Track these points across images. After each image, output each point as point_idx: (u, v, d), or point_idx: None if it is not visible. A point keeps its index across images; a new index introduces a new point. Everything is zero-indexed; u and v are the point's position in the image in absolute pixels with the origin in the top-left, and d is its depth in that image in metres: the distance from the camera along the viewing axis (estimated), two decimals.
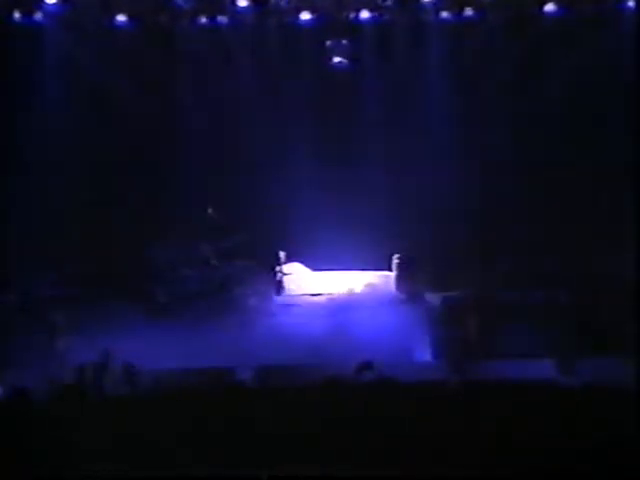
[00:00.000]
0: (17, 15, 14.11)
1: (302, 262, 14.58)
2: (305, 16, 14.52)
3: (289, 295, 14.15)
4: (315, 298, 13.89)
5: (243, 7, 14.30)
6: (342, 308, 12.96)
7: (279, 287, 14.21)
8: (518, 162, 14.32)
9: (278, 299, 14.00)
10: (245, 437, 6.63)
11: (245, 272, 13.93)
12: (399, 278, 13.96)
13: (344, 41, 14.63)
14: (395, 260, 14.05)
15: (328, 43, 14.62)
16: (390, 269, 14.19)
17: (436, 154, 14.43)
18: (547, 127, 14.35)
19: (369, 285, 14.15)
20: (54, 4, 14.03)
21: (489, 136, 14.51)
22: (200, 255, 14.10)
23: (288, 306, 13.65)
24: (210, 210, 14.32)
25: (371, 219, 14.39)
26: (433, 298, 12.97)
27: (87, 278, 13.64)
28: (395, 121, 14.77)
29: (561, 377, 9.31)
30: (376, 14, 14.55)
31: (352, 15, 14.62)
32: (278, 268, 14.23)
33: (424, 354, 11.57)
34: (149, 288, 13.52)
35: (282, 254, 14.26)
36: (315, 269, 14.60)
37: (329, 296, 13.91)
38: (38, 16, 14.20)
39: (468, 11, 14.36)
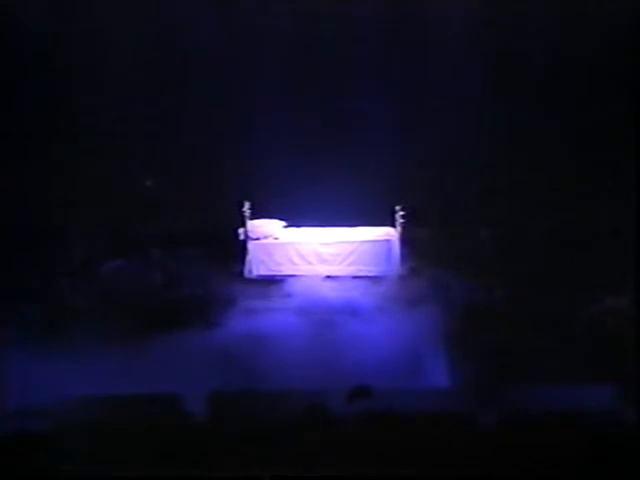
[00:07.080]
0: None
1: (274, 217, 14.50)
2: None
3: (255, 269, 14.18)
4: (288, 297, 13.75)
5: None
6: (327, 310, 12.96)
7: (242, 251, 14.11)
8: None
9: (241, 303, 13.64)
10: None
11: (197, 265, 13.86)
12: (404, 239, 14.08)
13: None
14: (399, 214, 14.09)
15: None
16: (393, 225, 14.25)
17: (448, 90, 14.92)
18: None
19: (364, 249, 14.20)
20: None
21: (510, 78, 14.83)
22: (134, 241, 14.05)
23: (254, 310, 13.36)
24: (149, 182, 14.35)
25: (368, 162, 14.60)
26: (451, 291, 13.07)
27: None
28: (393, 54, 15.11)
29: (622, 407, 9.27)
30: None
31: None
32: (241, 230, 14.12)
33: (439, 376, 11.42)
34: (57, 285, 13.30)
35: (247, 205, 14.12)
36: (291, 225, 14.59)
37: (309, 282, 13.92)
38: None
39: None
